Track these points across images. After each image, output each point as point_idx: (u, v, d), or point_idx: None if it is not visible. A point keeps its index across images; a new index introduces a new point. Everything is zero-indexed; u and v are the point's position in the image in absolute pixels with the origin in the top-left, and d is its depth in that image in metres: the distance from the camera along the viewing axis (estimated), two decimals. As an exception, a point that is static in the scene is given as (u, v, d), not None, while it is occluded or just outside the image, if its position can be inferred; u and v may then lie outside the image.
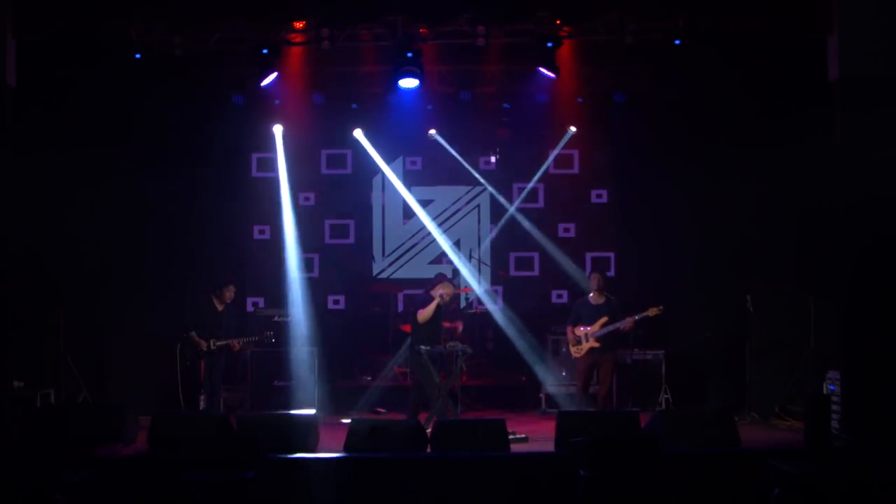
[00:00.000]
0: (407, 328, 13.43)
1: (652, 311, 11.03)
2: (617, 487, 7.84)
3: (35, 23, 10.59)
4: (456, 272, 11.13)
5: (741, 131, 11.89)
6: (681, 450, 8.96)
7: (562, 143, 13.86)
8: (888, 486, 7.54)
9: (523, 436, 10.31)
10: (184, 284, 12.16)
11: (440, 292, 10.94)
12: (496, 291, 14.21)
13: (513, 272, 14.31)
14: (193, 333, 11.18)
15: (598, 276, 11.45)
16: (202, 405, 11.36)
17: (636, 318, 11.09)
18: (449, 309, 10.79)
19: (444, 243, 13.93)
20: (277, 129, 13.60)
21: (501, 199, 14.21)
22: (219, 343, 11.30)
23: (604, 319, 11.17)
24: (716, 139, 12.16)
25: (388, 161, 14.30)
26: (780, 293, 11.71)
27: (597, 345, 11.20)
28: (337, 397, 12.76)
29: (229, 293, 11.46)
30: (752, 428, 10.90)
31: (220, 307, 11.43)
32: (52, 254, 11.72)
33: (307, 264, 14.15)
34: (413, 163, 14.45)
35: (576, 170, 14.24)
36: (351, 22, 11.48)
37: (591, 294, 11.44)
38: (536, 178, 14.11)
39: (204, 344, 11.19)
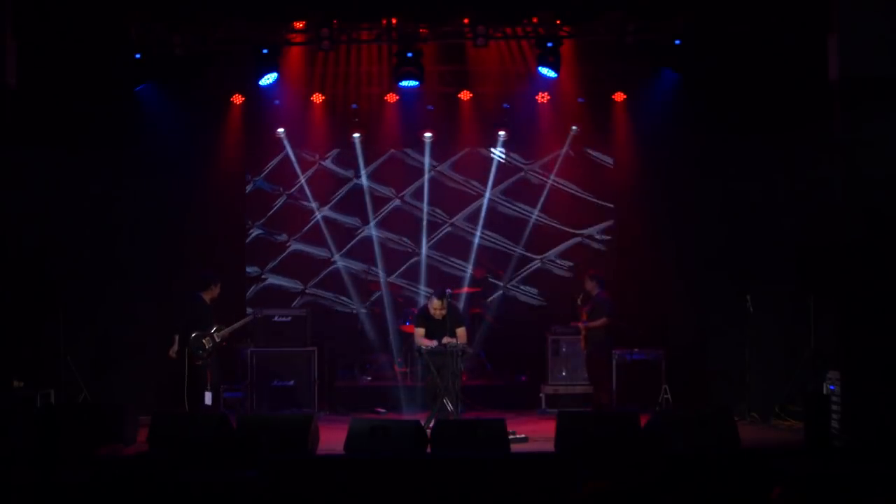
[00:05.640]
0: (407, 328, 13.49)
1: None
2: (616, 487, 7.82)
3: (35, 23, 10.59)
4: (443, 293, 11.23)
5: (741, 131, 11.88)
6: (681, 450, 8.96)
7: (567, 143, 13.86)
8: (888, 486, 7.53)
9: (523, 436, 10.32)
10: (184, 284, 12.15)
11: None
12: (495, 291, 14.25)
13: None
14: (207, 333, 11.30)
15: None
16: (208, 401, 11.37)
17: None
18: (442, 318, 10.93)
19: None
20: (280, 132, 13.65)
21: (500, 199, 14.24)
22: (221, 334, 11.44)
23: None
24: (715, 139, 12.15)
25: (388, 161, 14.32)
26: (780, 293, 11.71)
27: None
28: (337, 397, 12.78)
29: (218, 290, 11.61)
30: (752, 428, 10.90)
31: (209, 302, 11.56)
32: (52, 254, 11.73)
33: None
34: (412, 162, 14.42)
35: (575, 169, 14.24)
36: (351, 22, 11.48)
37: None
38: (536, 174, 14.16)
39: (209, 341, 11.29)
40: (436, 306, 10.91)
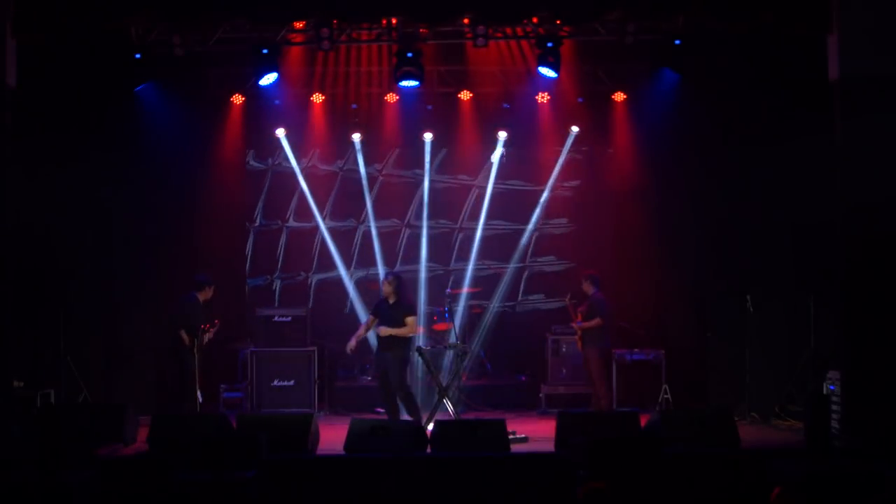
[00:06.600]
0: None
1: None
2: (617, 487, 7.83)
3: (35, 23, 10.58)
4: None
5: (741, 131, 11.88)
6: (681, 450, 8.96)
7: (567, 145, 13.85)
8: (888, 486, 7.53)
9: (523, 436, 10.32)
10: (184, 283, 12.14)
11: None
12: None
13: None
14: (203, 331, 11.35)
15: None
16: (201, 399, 11.39)
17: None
18: (390, 304, 10.82)
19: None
20: (280, 132, 13.64)
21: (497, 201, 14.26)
22: (206, 336, 11.45)
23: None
24: (715, 138, 12.15)
25: (386, 161, 14.32)
26: (780, 293, 11.71)
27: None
28: (337, 397, 12.77)
29: (211, 292, 11.63)
30: (752, 428, 10.89)
31: (202, 303, 11.57)
32: (52, 253, 11.73)
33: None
34: (411, 162, 14.41)
35: (574, 169, 14.23)
36: (351, 22, 11.47)
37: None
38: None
39: (206, 339, 11.34)
40: (383, 285, 10.93)
